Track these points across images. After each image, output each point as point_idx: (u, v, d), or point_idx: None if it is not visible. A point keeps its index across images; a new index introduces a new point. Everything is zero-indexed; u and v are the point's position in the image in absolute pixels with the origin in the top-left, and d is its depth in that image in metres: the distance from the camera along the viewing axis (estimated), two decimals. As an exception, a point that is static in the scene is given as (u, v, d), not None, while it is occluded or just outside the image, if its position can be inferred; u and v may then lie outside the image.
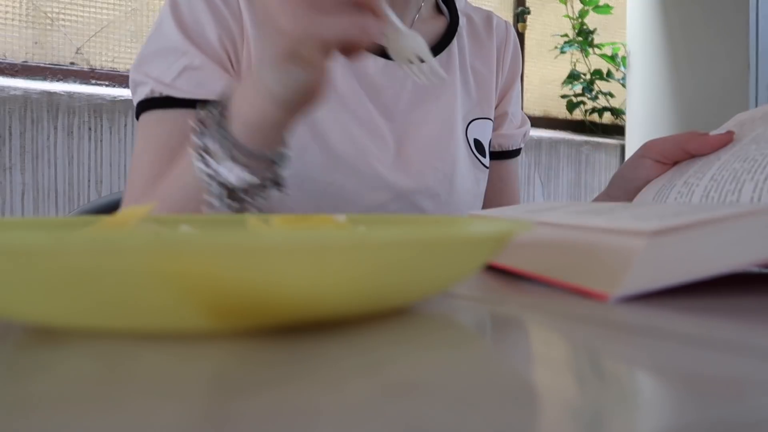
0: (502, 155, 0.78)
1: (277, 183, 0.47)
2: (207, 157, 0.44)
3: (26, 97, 1.46)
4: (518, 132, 0.78)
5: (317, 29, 0.39)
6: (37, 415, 0.13)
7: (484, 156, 0.73)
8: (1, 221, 0.35)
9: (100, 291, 0.17)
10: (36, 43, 1.57)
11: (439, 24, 0.72)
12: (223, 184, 0.44)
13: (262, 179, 0.45)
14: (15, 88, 1.46)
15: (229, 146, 0.44)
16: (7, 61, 1.52)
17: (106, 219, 0.29)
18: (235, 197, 0.45)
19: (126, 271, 0.16)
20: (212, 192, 0.45)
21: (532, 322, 0.23)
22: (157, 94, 0.57)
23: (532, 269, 0.33)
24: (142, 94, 0.58)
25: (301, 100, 0.42)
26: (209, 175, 0.44)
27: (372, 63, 0.65)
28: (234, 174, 0.44)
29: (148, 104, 0.58)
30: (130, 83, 0.60)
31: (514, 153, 0.79)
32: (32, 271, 0.17)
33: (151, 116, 0.58)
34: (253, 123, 0.44)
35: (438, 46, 0.70)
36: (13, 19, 1.54)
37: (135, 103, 0.59)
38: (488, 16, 0.77)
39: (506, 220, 0.23)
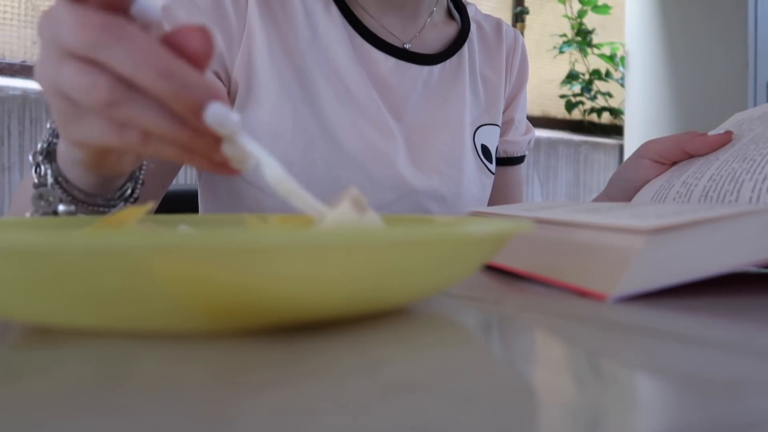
0: (507, 161, 0.78)
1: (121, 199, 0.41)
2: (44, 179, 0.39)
3: (25, 97, 1.46)
4: (523, 139, 0.78)
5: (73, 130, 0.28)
6: (36, 415, 0.12)
7: (491, 162, 0.73)
8: (0, 221, 0.35)
9: (99, 291, 0.17)
10: (35, 43, 1.57)
11: (451, 29, 0.73)
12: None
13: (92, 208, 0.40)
14: (14, 88, 1.46)
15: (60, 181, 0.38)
16: (6, 61, 1.52)
17: (104, 219, 0.29)
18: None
19: (125, 272, 0.16)
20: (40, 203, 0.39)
21: (531, 322, 0.23)
22: None
23: (530, 269, 0.33)
24: None
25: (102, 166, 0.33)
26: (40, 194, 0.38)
27: (383, 61, 0.65)
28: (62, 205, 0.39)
29: None
30: None
31: (519, 160, 0.79)
32: (31, 271, 0.17)
33: None
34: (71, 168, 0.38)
35: (449, 51, 0.70)
36: (12, 19, 1.54)
37: None
38: (498, 24, 0.78)
39: (505, 219, 0.23)
